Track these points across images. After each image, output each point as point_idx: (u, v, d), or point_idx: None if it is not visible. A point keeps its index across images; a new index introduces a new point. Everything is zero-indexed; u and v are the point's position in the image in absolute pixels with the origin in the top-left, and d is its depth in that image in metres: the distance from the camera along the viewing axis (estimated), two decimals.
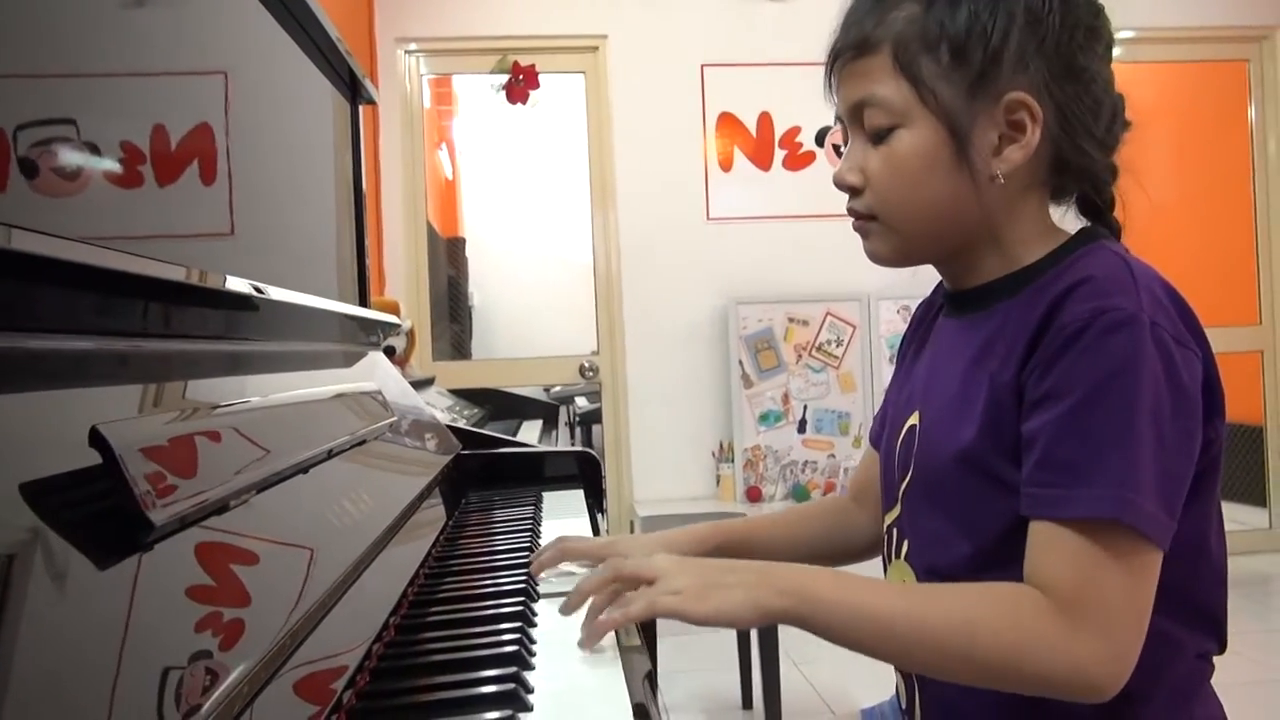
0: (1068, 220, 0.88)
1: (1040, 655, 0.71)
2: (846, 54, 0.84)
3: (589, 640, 0.74)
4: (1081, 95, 0.81)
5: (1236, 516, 4.35)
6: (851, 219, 0.88)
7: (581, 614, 0.77)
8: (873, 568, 0.98)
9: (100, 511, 0.47)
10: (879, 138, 0.83)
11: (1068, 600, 0.71)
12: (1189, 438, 0.74)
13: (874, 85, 0.82)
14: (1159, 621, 0.78)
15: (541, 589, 0.92)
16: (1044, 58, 0.80)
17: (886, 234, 0.86)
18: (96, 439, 0.47)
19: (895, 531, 0.92)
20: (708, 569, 0.78)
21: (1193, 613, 0.81)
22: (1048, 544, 0.73)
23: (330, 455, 0.86)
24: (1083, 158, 0.83)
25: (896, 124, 0.82)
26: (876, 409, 1.04)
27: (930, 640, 0.73)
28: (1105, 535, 0.71)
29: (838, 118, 0.89)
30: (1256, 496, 4.31)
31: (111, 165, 0.70)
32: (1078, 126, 0.81)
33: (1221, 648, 0.84)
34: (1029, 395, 0.76)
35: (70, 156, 0.64)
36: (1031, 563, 0.74)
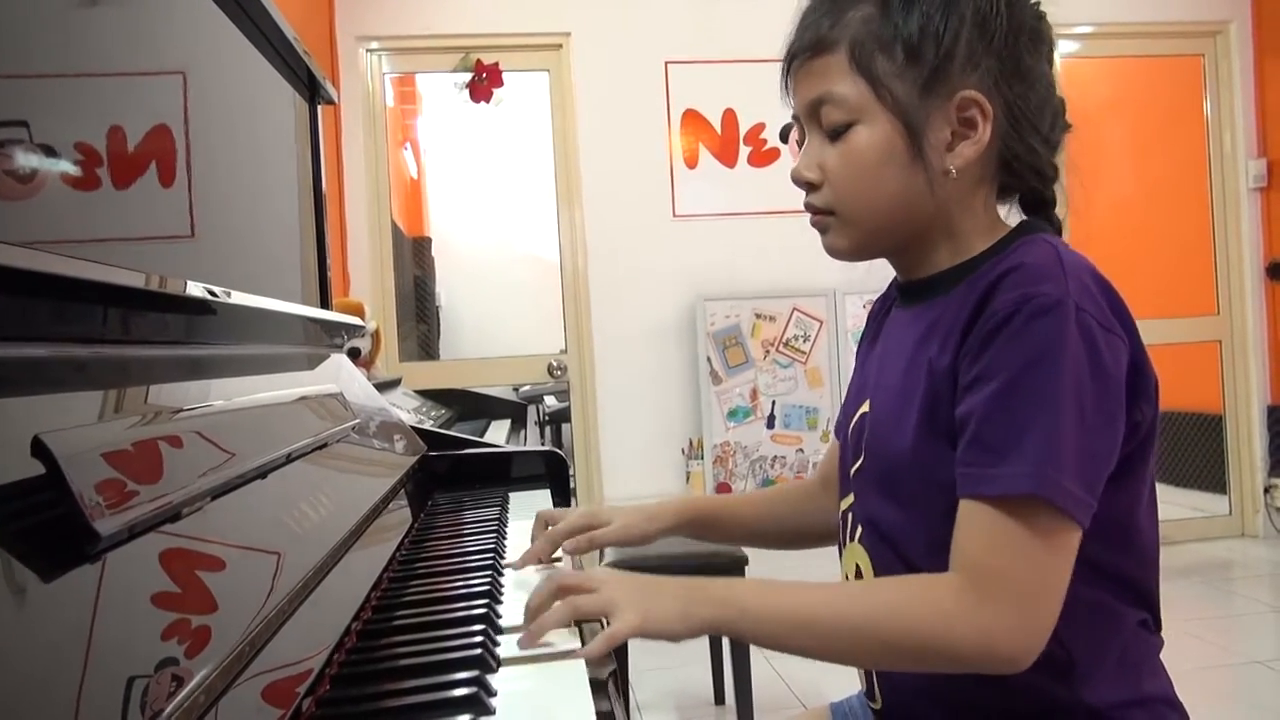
0: (1013, 218, 0.91)
1: (951, 630, 0.74)
2: (804, 54, 0.87)
3: (527, 640, 0.75)
4: (1028, 94, 0.84)
5: (1197, 504, 4.42)
6: (809, 214, 0.91)
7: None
8: (832, 553, 1.00)
9: (48, 522, 0.47)
10: (836, 134, 0.86)
11: (979, 574, 0.74)
12: (1111, 420, 0.77)
13: (831, 83, 0.85)
14: (1095, 594, 0.82)
15: (506, 580, 0.93)
16: (993, 58, 0.83)
17: (844, 228, 0.88)
18: (39, 448, 0.47)
19: (850, 516, 0.95)
20: (643, 581, 0.81)
21: (1125, 587, 0.84)
22: (968, 520, 0.76)
23: (290, 459, 0.85)
24: (1030, 154, 0.86)
25: (854, 120, 0.84)
26: (843, 403, 1.08)
27: (849, 632, 0.77)
28: (1023, 511, 0.73)
29: (795, 117, 0.91)
30: (1216, 484, 4.39)
31: (67, 167, 0.69)
32: (1025, 124, 0.84)
33: (1156, 621, 0.87)
34: (961, 379, 0.79)
35: (23, 159, 0.63)
36: (954, 539, 0.77)
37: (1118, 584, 0.84)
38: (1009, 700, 0.82)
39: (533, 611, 0.79)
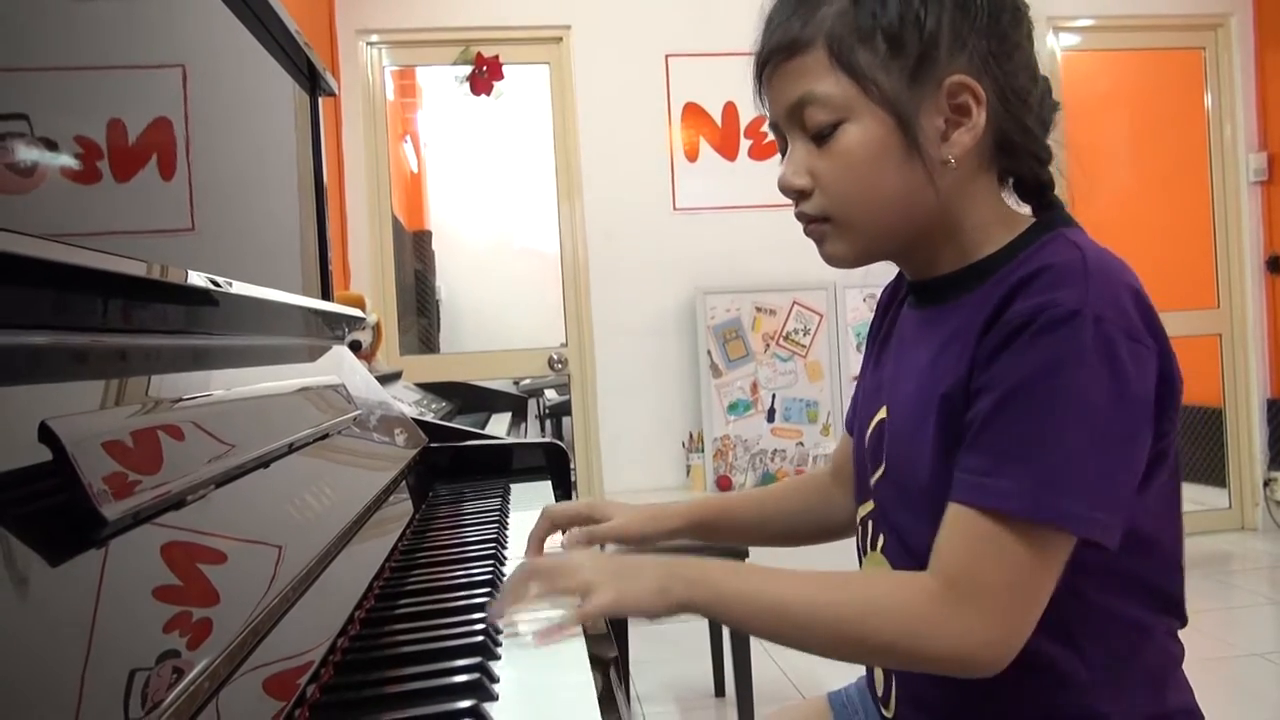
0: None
1: (925, 635, 0.73)
2: (778, 56, 0.82)
3: (494, 613, 0.77)
4: (1017, 73, 0.81)
5: (1197, 497, 4.42)
6: (802, 224, 0.86)
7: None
8: (845, 549, 0.99)
9: (54, 508, 0.47)
10: (822, 136, 0.81)
11: (959, 581, 0.73)
12: (1130, 436, 0.73)
13: (811, 83, 0.80)
14: (1128, 609, 0.79)
15: (509, 570, 0.93)
16: (978, 39, 0.79)
17: (843, 234, 0.84)
18: (46, 434, 0.47)
19: (870, 524, 0.92)
20: (620, 561, 0.81)
21: (1154, 597, 0.82)
22: (953, 525, 0.75)
23: (291, 449, 0.85)
24: (1026, 136, 0.82)
25: (840, 119, 0.80)
26: (845, 397, 1.06)
27: (825, 624, 0.76)
28: (1013, 526, 0.71)
29: (772, 124, 0.87)
30: (1216, 477, 4.39)
31: (68, 161, 0.69)
32: (1018, 105, 0.81)
33: (1182, 622, 0.85)
34: (972, 386, 0.76)
35: (24, 153, 0.64)
36: (937, 541, 0.76)
37: (1148, 595, 0.81)
38: (1035, 714, 0.80)
39: (507, 593, 0.79)
